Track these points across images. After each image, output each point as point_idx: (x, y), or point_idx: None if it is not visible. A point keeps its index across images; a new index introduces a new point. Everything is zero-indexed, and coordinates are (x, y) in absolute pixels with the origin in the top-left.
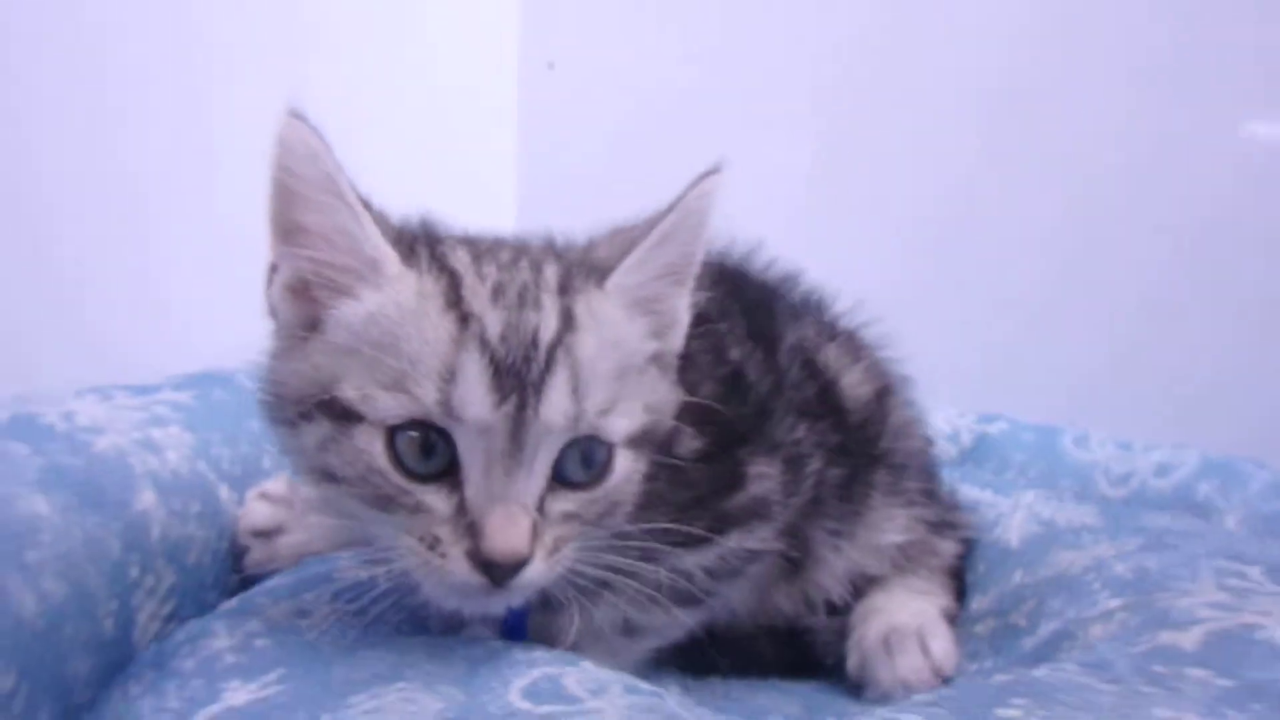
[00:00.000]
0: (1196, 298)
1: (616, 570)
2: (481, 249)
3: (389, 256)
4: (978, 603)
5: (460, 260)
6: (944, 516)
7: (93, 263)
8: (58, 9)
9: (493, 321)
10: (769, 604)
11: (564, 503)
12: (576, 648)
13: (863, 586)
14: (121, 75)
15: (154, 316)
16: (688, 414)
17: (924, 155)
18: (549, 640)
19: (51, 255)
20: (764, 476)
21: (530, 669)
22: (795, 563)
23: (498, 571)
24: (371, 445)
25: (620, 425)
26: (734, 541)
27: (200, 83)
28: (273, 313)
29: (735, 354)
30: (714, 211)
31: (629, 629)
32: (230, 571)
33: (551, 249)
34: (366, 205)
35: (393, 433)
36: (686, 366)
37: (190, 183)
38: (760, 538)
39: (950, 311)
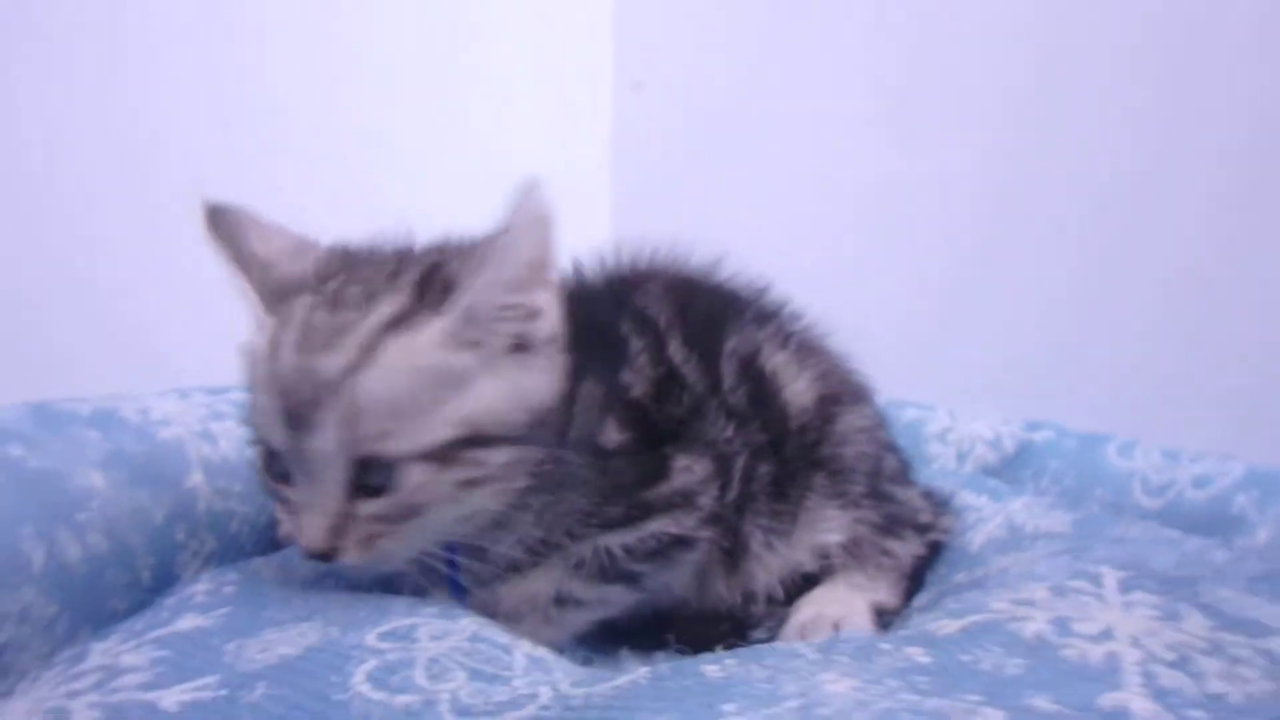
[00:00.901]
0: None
1: (540, 546)
2: (329, 285)
3: (258, 305)
4: (918, 600)
5: (301, 303)
6: (902, 519)
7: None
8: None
9: (288, 365)
10: (711, 593)
11: (368, 506)
12: (517, 613)
13: (801, 583)
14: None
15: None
16: (619, 410)
17: (973, 161)
18: (491, 604)
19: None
20: (689, 470)
21: (398, 619)
22: (733, 556)
23: (314, 557)
24: (256, 453)
25: (406, 445)
26: (655, 526)
27: (261, 103)
28: None
29: (674, 358)
30: (543, 223)
31: (561, 599)
32: (269, 540)
33: (422, 272)
34: (265, 264)
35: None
36: (624, 367)
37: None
38: (683, 525)
39: (1005, 314)
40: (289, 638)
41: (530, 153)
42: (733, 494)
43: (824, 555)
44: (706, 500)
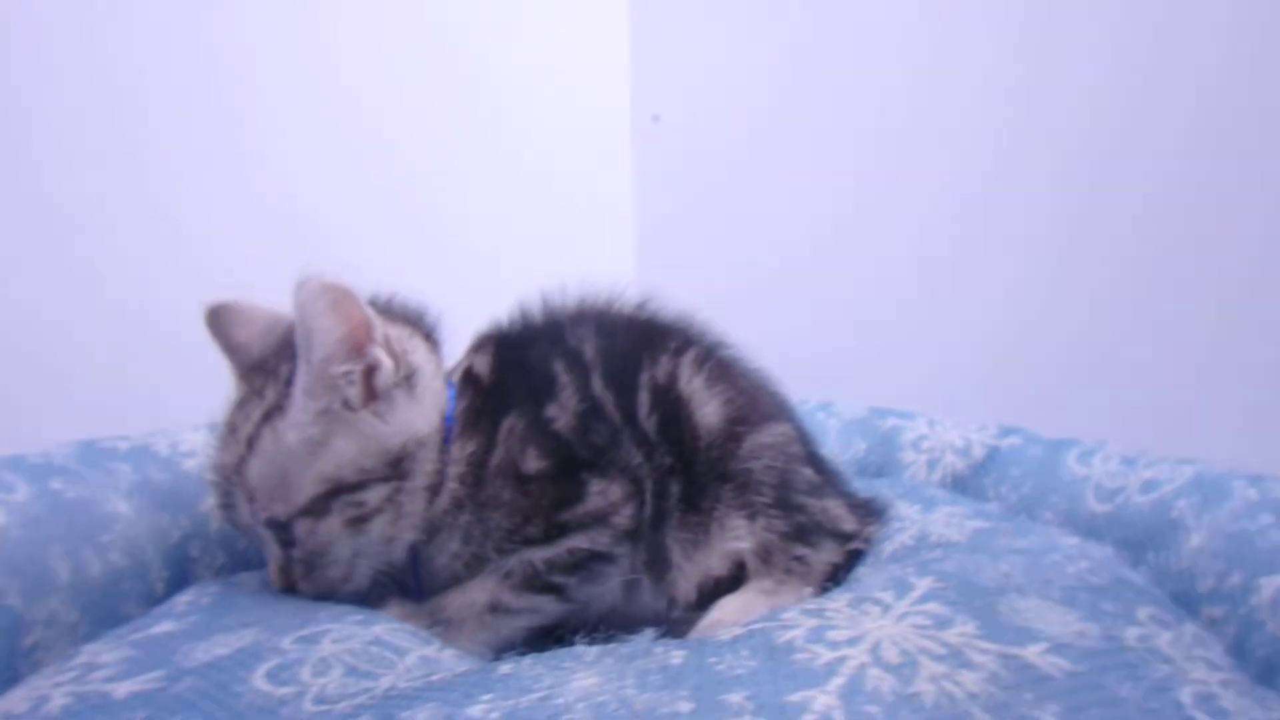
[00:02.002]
0: None
1: (473, 560)
2: (251, 382)
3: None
4: None
5: (231, 401)
6: (815, 528)
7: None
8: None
9: (214, 457)
10: (641, 602)
11: (295, 551)
12: (459, 618)
13: (714, 588)
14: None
15: None
16: (539, 440)
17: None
18: (438, 610)
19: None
20: (604, 494)
21: (317, 625)
22: (658, 568)
23: (285, 590)
24: None
25: (285, 508)
26: (572, 543)
27: (305, 133)
28: None
29: (596, 391)
30: (335, 303)
31: (495, 607)
32: None
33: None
34: (235, 348)
35: None
36: (549, 402)
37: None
38: (598, 542)
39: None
40: (229, 640)
41: (555, 185)
42: (647, 512)
43: (736, 562)
44: (621, 520)
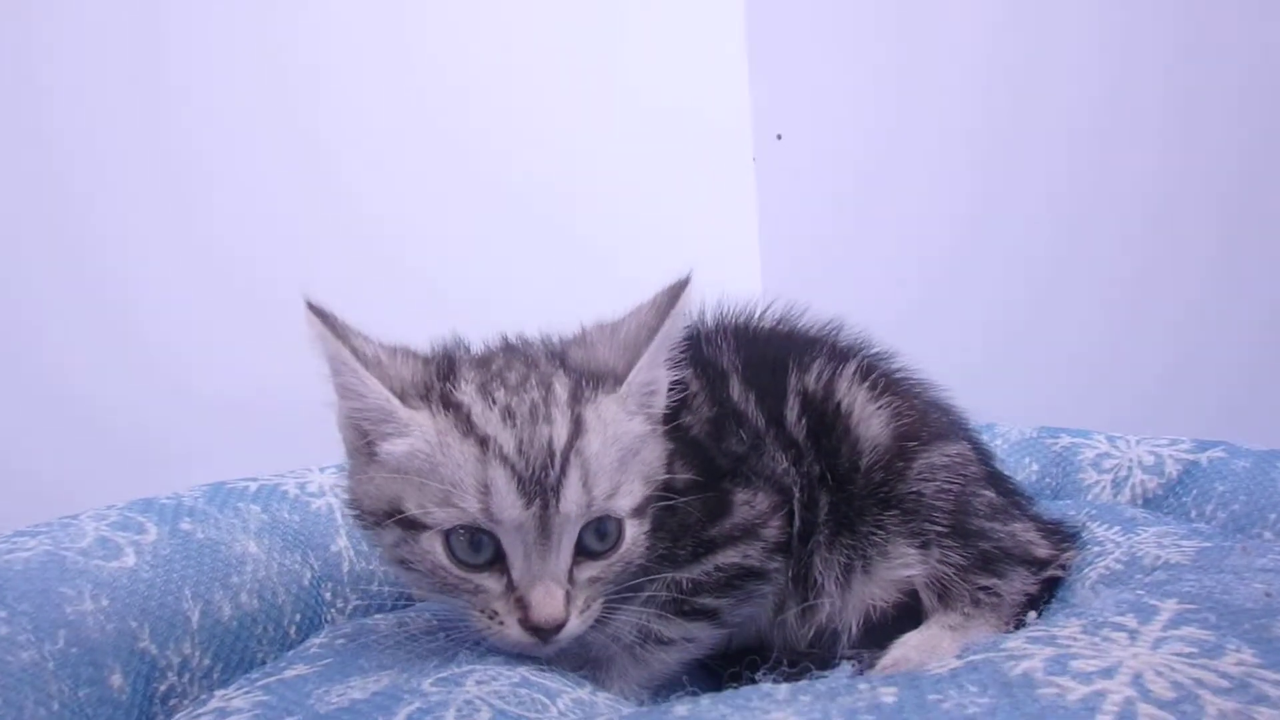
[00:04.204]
0: None
1: (623, 591)
2: (491, 374)
3: (395, 406)
4: None
5: (466, 393)
6: (1002, 555)
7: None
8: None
9: (507, 440)
10: (787, 630)
11: (589, 570)
12: (607, 655)
13: (884, 621)
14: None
15: None
16: (683, 450)
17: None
18: (582, 647)
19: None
20: (750, 504)
21: (458, 666)
22: (803, 590)
23: (544, 633)
24: (433, 546)
25: (624, 503)
26: (721, 559)
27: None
28: (342, 436)
29: (733, 397)
30: (687, 317)
31: (647, 637)
32: (405, 596)
33: (557, 359)
34: (376, 362)
35: (448, 535)
36: (685, 410)
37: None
38: (749, 556)
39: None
40: (365, 684)
41: (681, 205)
42: (796, 524)
43: (905, 592)
44: (771, 532)
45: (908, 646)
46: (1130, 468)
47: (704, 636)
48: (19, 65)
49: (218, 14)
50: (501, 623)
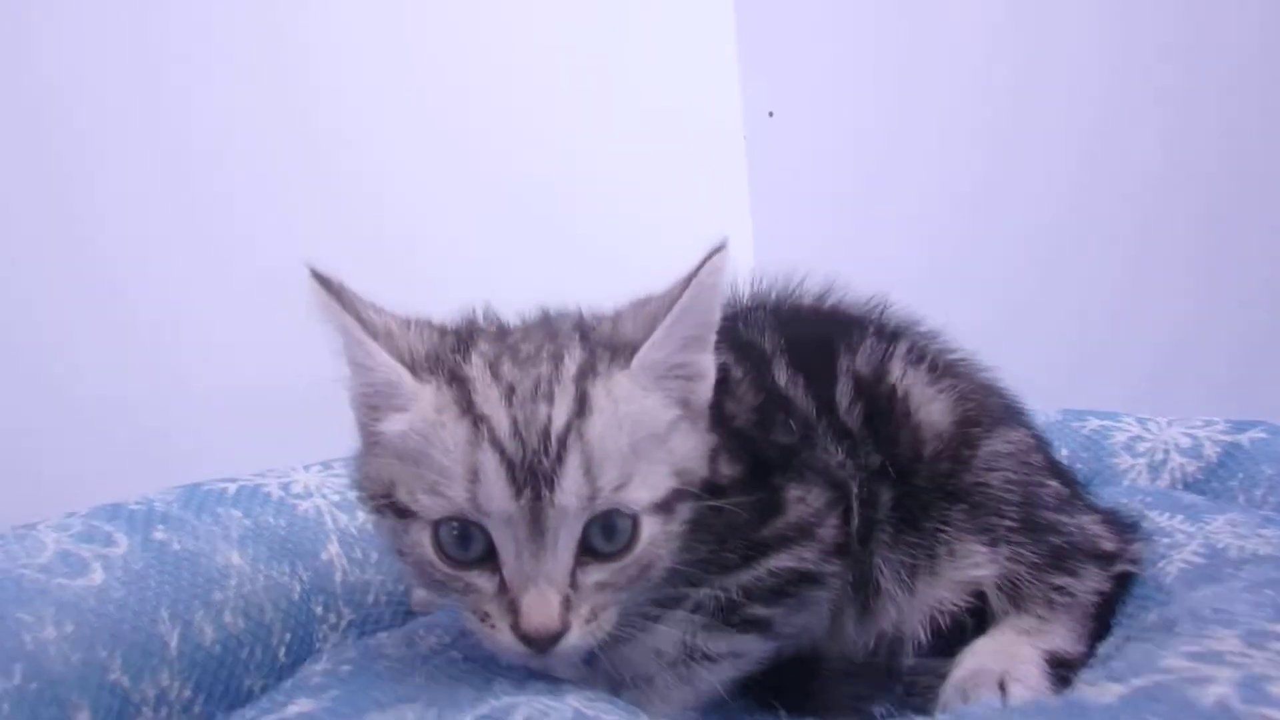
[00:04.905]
0: None
1: (663, 600)
2: (506, 346)
3: (402, 377)
4: (1105, 646)
5: (475, 366)
6: (1073, 551)
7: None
8: None
9: (502, 420)
10: (843, 638)
11: (596, 574)
12: (646, 675)
13: (951, 626)
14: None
15: None
16: (728, 443)
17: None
18: (619, 668)
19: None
20: (804, 501)
21: (499, 698)
22: (863, 594)
23: (537, 643)
24: (422, 537)
25: (640, 495)
26: (773, 563)
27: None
28: (354, 416)
29: (779, 382)
30: (723, 282)
31: (691, 655)
32: (405, 611)
33: (580, 330)
34: (386, 333)
35: (437, 526)
36: (728, 397)
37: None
38: (804, 559)
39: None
40: (388, 717)
41: (671, 184)
42: (854, 522)
43: (973, 594)
44: (827, 531)
45: (983, 655)
46: (1167, 451)
47: (754, 651)
48: (20, 65)
49: (220, 6)
50: (494, 627)
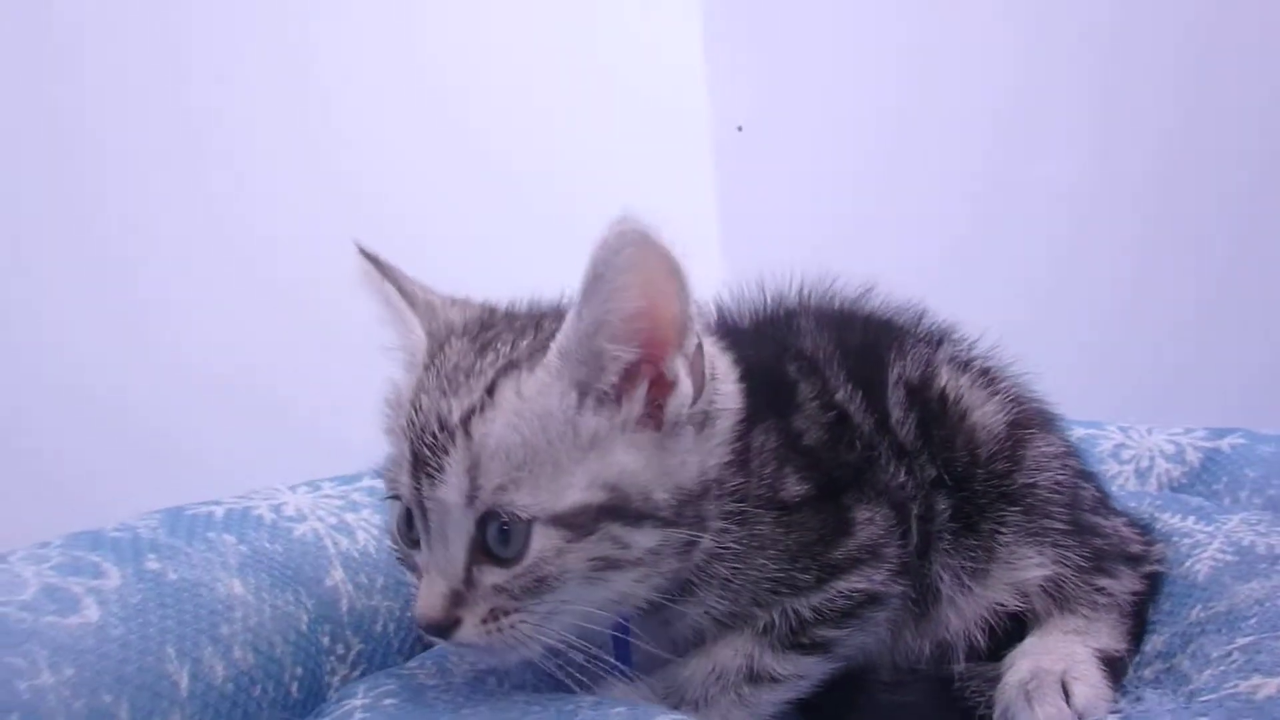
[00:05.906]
0: None
1: (726, 617)
2: (481, 335)
3: (421, 346)
4: (1151, 644)
5: (450, 348)
6: (1110, 552)
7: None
8: None
9: (422, 408)
10: (900, 644)
11: (491, 576)
12: (706, 695)
13: (1008, 628)
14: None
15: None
16: (796, 459)
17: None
18: (673, 688)
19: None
20: (871, 522)
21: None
22: (921, 603)
23: (428, 629)
24: (389, 512)
25: (528, 502)
26: (844, 585)
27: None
28: None
29: (839, 399)
30: (644, 263)
31: (755, 676)
32: (418, 639)
33: (537, 325)
34: (427, 306)
35: (395, 505)
36: (794, 413)
37: None
38: (873, 581)
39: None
40: None
41: (638, 199)
42: (913, 540)
43: (1023, 594)
44: (893, 551)
45: (1038, 656)
46: (1151, 457)
47: (816, 673)
48: (29, 64)
49: (230, 4)
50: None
